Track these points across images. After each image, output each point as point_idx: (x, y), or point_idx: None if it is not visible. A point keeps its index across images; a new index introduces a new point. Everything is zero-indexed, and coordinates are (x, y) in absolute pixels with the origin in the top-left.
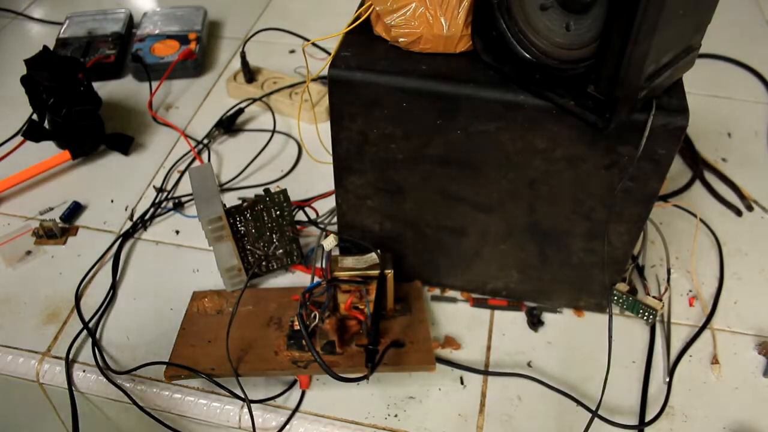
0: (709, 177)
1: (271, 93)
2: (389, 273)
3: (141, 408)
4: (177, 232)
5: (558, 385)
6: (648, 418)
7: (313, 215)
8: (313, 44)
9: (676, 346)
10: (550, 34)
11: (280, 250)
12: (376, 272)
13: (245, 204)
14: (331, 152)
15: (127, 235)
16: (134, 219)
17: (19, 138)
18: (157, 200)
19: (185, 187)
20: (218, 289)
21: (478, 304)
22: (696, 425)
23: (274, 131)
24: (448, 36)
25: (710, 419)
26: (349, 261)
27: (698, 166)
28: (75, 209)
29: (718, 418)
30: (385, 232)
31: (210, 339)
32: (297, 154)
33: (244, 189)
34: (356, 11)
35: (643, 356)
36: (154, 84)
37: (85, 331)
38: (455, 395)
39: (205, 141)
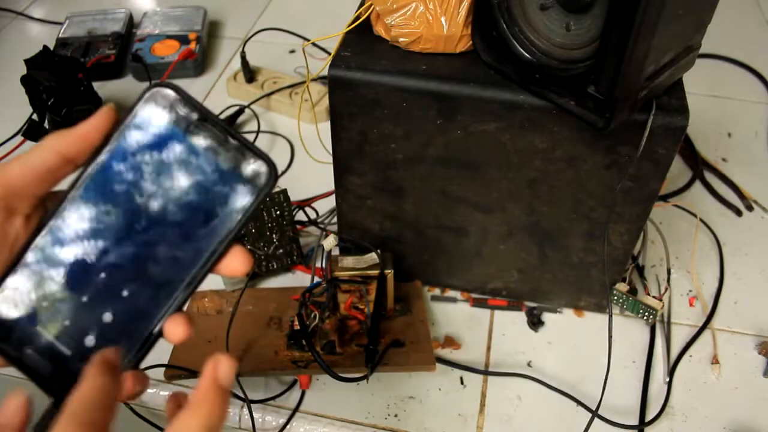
0: (709, 177)
1: (271, 93)
2: (389, 273)
3: (134, 410)
4: None
5: (558, 385)
6: (648, 418)
7: (313, 215)
8: (313, 44)
9: (676, 346)
10: (550, 34)
11: (280, 250)
12: (376, 272)
13: None
14: (331, 152)
15: None
16: None
17: (19, 138)
18: None
19: None
20: (218, 289)
21: (478, 304)
22: (696, 425)
23: (258, 131)
24: (448, 36)
25: (710, 419)
26: (349, 261)
27: (698, 166)
28: None
29: (718, 418)
30: (385, 232)
31: (210, 339)
32: (290, 153)
33: None
34: (356, 11)
35: (643, 356)
36: None
37: None
38: (455, 395)
39: None
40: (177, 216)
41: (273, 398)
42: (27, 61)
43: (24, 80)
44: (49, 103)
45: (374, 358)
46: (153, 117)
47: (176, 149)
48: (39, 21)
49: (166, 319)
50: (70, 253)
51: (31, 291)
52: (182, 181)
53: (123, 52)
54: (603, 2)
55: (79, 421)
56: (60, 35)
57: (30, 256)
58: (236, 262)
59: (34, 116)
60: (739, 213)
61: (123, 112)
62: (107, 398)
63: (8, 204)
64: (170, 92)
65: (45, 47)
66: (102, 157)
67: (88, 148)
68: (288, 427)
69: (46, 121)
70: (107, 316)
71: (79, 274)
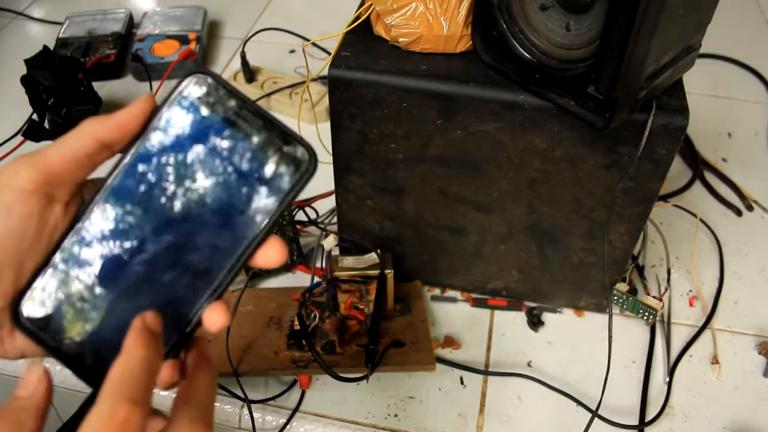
0: (709, 177)
1: (271, 93)
2: (389, 273)
3: None
4: None
5: (558, 385)
6: (648, 418)
7: (313, 215)
8: (313, 44)
9: (676, 346)
10: (550, 34)
11: None
12: (376, 272)
13: None
14: (331, 152)
15: None
16: None
17: (19, 138)
18: None
19: None
20: None
21: (478, 304)
22: (696, 425)
23: None
24: (448, 36)
25: (710, 419)
26: (349, 261)
27: (698, 166)
28: None
29: (718, 418)
30: (385, 232)
31: (210, 339)
32: None
33: None
34: (356, 11)
35: (643, 356)
36: (155, 84)
37: None
38: (455, 395)
39: None
40: (216, 204)
41: (273, 398)
42: (27, 61)
43: (24, 80)
44: (49, 103)
45: (374, 358)
46: (191, 105)
47: (215, 137)
48: (39, 21)
49: (204, 308)
50: (109, 243)
51: (70, 280)
52: (222, 168)
53: (123, 52)
54: (603, 2)
55: (121, 396)
56: (60, 35)
57: (69, 245)
58: (273, 251)
59: (34, 116)
60: (739, 213)
61: (162, 100)
62: (149, 371)
63: (48, 191)
64: (208, 79)
65: (45, 47)
66: (140, 146)
67: (126, 136)
68: (288, 427)
69: (46, 121)
70: (146, 305)
71: (117, 263)
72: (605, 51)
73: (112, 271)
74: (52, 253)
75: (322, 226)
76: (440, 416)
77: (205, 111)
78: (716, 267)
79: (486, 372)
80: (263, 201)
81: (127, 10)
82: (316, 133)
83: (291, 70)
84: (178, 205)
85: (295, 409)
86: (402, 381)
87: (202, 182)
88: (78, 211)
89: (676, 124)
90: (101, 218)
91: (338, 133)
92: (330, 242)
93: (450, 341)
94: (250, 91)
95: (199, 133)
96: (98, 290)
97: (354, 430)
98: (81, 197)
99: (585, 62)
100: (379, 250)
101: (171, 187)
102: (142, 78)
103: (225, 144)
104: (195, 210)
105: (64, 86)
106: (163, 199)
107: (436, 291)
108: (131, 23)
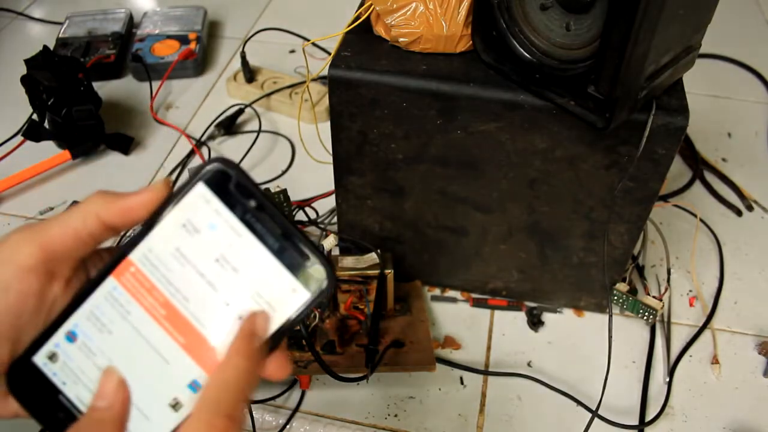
0: (709, 177)
1: (271, 93)
2: (389, 273)
3: None
4: None
5: (558, 385)
6: (648, 418)
7: (313, 215)
8: (313, 44)
9: (676, 346)
10: (550, 34)
11: None
12: (376, 272)
13: None
14: (331, 152)
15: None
16: None
17: (19, 138)
18: None
19: None
20: None
21: (478, 304)
22: (696, 425)
23: (260, 131)
24: (448, 36)
25: (710, 419)
26: (349, 261)
27: (698, 166)
28: None
29: (718, 418)
30: (385, 232)
31: None
32: (291, 153)
33: None
34: (356, 11)
35: (643, 356)
36: (155, 84)
37: None
38: (455, 395)
39: (203, 139)
40: (220, 306)
41: (273, 398)
42: (27, 61)
43: (24, 80)
44: (49, 103)
45: (374, 358)
46: (206, 198)
47: (226, 237)
48: (39, 21)
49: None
50: (110, 327)
51: (69, 358)
52: (228, 271)
53: (123, 52)
54: (603, 2)
55: (218, 411)
56: (60, 35)
57: (70, 326)
58: (275, 366)
59: (34, 116)
60: (739, 213)
61: (177, 188)
62: (248, 384)
63: (48, 268)
64: (231, 172)
65: (45, 47)
66: (147, 237)
67: (132, 223)
68: (288, 427)
69: (46, 121)
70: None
71: (119, 344)
72: (605, 51)
73: (114, 348)
74: (52, 328)
75: (322, 226)
76: (440, 416)
77: (218, 207)
78: (716, 267)
79: (486, 372)
80: (270, 311)
81: (127, 10)
82: (316, 133)
83: (291, 70)
84: (179, 299)
85: (295, 409)
86: (402, 381)
87: (206, 281)
88: (81, 290)
89: (676, 124)
90: (103, 302)
91: (338, 133)
92: (330, 242)
93: (450, 341)
94: (250, 91)
95: (209, 231)
96: (94, 367)
97: (354, 430)
98: (85, 271)
99: (585, 62)
100: (379, 250)
101: (171, 281)
102: (142, 78)
103: (234, 245)
104: (199, 307)
105: (64, 86)
106: (165, 291)
107: (436, 291)
108: (131, 23)
